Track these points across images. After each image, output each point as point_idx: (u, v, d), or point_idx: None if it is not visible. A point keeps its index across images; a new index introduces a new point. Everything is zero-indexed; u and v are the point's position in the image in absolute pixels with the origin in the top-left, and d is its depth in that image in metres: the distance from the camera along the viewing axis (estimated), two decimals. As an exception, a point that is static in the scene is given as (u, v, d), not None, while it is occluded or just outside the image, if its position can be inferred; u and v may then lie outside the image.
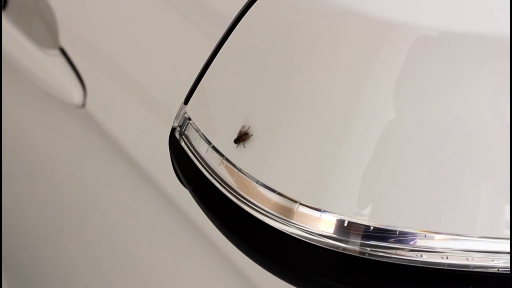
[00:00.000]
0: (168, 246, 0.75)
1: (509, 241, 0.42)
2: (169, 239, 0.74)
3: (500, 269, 0.43)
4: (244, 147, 0.46)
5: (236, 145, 0.46)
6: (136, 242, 0.79)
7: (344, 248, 0.43)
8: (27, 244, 1.01)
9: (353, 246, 0.43)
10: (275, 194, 0.44)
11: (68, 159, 0.87)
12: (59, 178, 0.90)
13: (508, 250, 0.42)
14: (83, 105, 0.79)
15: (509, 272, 0.43)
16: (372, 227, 0.43)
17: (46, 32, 0.84)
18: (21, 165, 0.97)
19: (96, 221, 0.84)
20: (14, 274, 1.08)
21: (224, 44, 0.48)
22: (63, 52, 0.81)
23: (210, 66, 0.49)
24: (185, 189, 0.51)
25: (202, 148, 0.48)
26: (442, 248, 0.43)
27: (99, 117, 0.77)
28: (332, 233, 0.43)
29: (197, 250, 0.69)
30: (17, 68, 0.88)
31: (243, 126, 0.46)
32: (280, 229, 0.44)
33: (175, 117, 0.51)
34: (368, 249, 0.43)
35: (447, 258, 0.43)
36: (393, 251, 0.43)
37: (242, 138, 0.46)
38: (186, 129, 0.50)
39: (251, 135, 0.45)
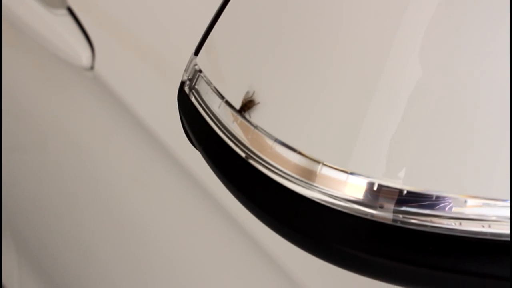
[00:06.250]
0: (180, 211, 0.72)
1: None
2: (182, 205, 0.71)
3: None
4: (250, 117, 0.41)
5: (243, 114, 0.41)
6: (148, 207, 0.76)
7: (373, 215, 0.39)
8: (36, 216, 1.00)
9: (383, 212, 0.38)
10: (295, 153, 0.40)
11: (76, 124, 0.85)
12: (67, 143, 0.88)
13: None
14: (92, 67, 0.76)
15: None
16: (405, 191, 0.38)
17: (53, -10, 0.82)
18: (26, 131, 0.95)
19: (106, 185, 0.82)
20: (19, 245, 1.08)
21: None
22: (71, 11, 0.79)
23: (225, 9, 0.44)
24: (197, 152, 0.47)
25: (214, 103, 0.44)
26: (484, 216, 0.38)
27: (108, 80, 0.75)
28: (360, 198, 0.39)
29: (210, 216, 0.66)
30: (22, 29, 0.86)
31: (247, 92, 0.41)
32: (301, 193, 0.40)
33: (185, 70, 0.47)
34: (401, 216, 0.38)
35: (489, 227, 0.38)
36: (428, 219, 0.38)
37: (246, 106, 0.41)
38: (197, 82, 0.46)
39: (258, 102, 0.41)
